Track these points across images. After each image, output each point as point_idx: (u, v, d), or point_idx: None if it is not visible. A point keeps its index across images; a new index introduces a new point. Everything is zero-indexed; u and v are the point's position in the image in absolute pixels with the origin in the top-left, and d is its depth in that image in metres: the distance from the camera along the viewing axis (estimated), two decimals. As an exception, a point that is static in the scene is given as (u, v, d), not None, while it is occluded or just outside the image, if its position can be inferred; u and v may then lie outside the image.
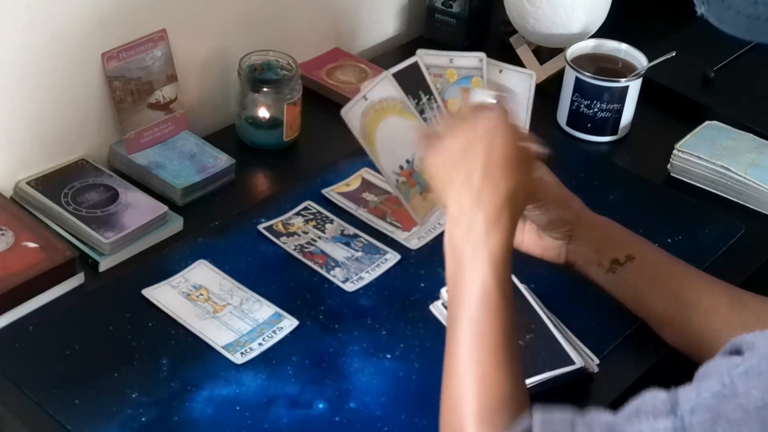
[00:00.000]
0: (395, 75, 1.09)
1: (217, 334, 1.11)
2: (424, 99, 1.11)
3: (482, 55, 1.13)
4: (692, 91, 1.58)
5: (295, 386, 1.07)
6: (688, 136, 1.44)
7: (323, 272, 1.21)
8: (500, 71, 1.13)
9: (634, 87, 1.48)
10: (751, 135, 1.45)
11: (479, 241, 0.90)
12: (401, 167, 1.10)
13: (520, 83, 1.14)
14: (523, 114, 1.15)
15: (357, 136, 1.09)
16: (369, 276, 1.20)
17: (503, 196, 0.92)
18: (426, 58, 1.12)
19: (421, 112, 1.11)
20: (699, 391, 0.73)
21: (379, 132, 1.08)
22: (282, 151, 1.42)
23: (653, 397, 0.77)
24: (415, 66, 1.11)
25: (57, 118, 1.28)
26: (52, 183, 1.26)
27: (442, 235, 1.19)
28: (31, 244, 1.16)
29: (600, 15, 1.58)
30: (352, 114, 1.08)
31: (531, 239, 1.15)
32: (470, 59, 1.12)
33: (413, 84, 1.11)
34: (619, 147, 1.51)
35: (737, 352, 0.75)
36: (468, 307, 0.90)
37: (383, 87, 1.08)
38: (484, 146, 0.93)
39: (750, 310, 1.07)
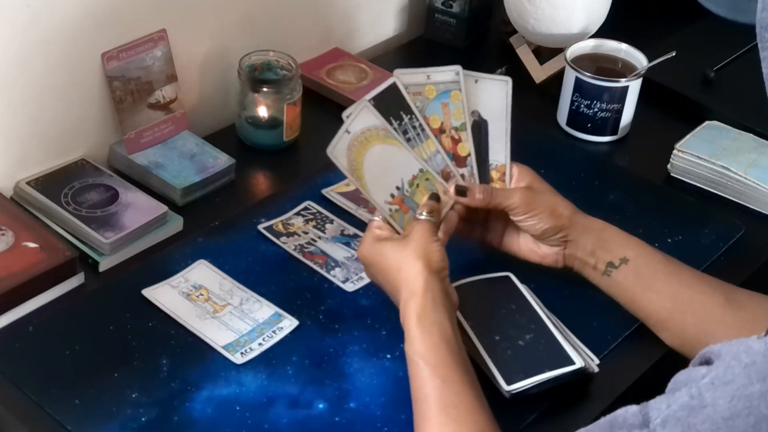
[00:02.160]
0: (373, 100, 1.09)
1: (217, 334, 1.11)
2: (406, 119, 1.11)
3: (458, 68, 1.13)
4: (692, 91, 1.58)
5: (295, 386, 1.07)
6: (688, 136, 1.44)
7: (323, 272, 1.21)
8: (476, 81, 1.14)
9: (634, 87, 1.47)
10: (751, 135, 1.45)
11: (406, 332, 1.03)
12: (392, 195, 1.10)
13: (497, 91, 1.14)
14: (502, 122, 1.15)
15: (345, 173, 1.08)
16: (369, 276, 1.20)
17: (393, 297, 1.07)
18: (403, 77, 1.11)
19: (404, 133, 1.11)
20: (669, 403, 0.73)
21: (366, 163, 1.08)
22: (282, 151, 1.42)
23: (625, 411, 0.77)
24: (394, 87, 1.10)
25: (57, 118, 1.28)
26: (52, 183, 1.26)
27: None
28: (31, 244, 1.16)
29: (600, 15, 1.58)
30: (338, 151, 1.07)
31: (527, 247, 1.16)
32: (447, 73, 1.12)
33: (393, 105, 1.10)
34: (619, 147, 1.51)
35: (706, 362, 0.74)
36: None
37: (363, 117, 1.08)
38: (369, 274, 1.11)
39: (746, 309, 1.08)
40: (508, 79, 1.15)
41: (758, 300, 1.10)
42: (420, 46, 1.71)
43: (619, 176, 1.43)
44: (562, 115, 1.52)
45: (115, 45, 1.28)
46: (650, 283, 1.12)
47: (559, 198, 1.14)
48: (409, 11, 1.74)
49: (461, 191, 1.12)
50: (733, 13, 0.82)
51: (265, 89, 1.38)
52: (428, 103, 1.12)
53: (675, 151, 1.43)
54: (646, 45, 1.52)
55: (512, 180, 1.15)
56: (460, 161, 1.14)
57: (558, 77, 1.54)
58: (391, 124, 1.10)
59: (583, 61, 1.51)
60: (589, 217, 1.15)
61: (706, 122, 1.48)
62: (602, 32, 1.58)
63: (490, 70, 1.58)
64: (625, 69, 1.51)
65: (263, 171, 1.40)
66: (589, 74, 1.46)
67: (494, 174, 1.15)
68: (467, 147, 1.14)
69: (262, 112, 1.39)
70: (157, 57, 1.33)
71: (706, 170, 1.41)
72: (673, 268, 1.12)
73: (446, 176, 1.13)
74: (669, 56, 1.49)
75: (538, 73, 1.62)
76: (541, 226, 1.12)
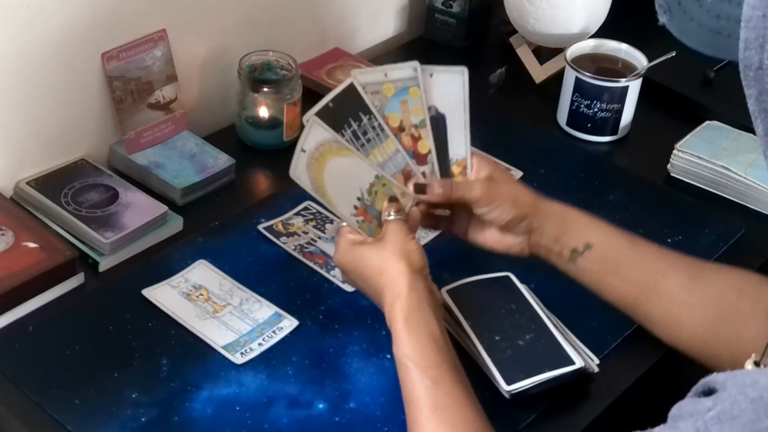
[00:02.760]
0: (322, 112, 1.07)
1: (217, 334, 1.11)
2: (365, 119, 1.09)
3: (416, 63, 1.10)
4: (692, 91, 1.58)
5: (295, 386, 1.07)
6: (688, 136, 1.44)
7: (323, 272, 1.21)
8: (431, 75, 1.11)
9: (634, 87, 1.48)
10: (751, 135, 1.45)
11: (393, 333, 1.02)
12: (356, 207, 1.09)
13: (452, 82, 1.11)
14: (461, 114, 1.11)
15: (311, 192, 1.08)
16: (369, 276, 1.20)
17: (376, 301, 1.06)
18: (361, 77, 1.09)
19: (364, 134, 1.10)
20: None
21: (326, 179, 1.08)
22: (282, 151, 1.41)
23: None
24: (351, 88, 1.09)
25: (57, 118, 1.28)
26: (52, 183, 1.26)
27: (441, 235, 1.20)
28: (31, 244, 1.16)
29: (600, 15, 1.58)
30: (299, 172, 1.07)
31: (493, 238, 1.14)
32: (405, 70, 1.10)
33: (352, 106, 1.09)
34: (619, 147, 1.51)
35: (709, 392, 0.74)
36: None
37: (314, 133, 1.07)
38: (348, 280, 1.12)
39: (711, 287, 1.07)
40: (464, 69, 1.11)
41: (726, 274, 1.09)
42: (420, 46, 1.71)
43: (619, 176, 1.43)
44: (562, 115, 1.52)
45: (115, 45, 1.28)
46: (614, 268, 1.11)
47: (519, 187, 1.13)
48: (409, 11, 1.74)
49: (420, 189, 1.10)
50: (713, 50, 0.81)
51: (265, 89, 1.38)
52: (387, 101, 1.10)
53: (675, 151, 1.43)
54: (646, 45, 1.52)
55: (472, 171, 1.13)
56: (420, 159, 1.12)
57: (558, 77, 1.54)
58: (350, 126, 1.09)
59: (583, 61, 1.51)
60: (550, 202, 1.14)
61: (706, 122, 1.48)
62: (602, 32, 1.58)
63: (490, 70, 1.60)
64: (625, 69, 1.51)
65: (263, 171, 1.40)
66: (589, 74, 1.46)
67: (455, 168, 1.12)
68: (427, 144, 1.12)
69: (262, 112, 1.39)
70: (157, 57, 1.33)
71: (706, 170, 1.41)
72: (637, 251, 1.12)
73: (407, 175, 1.11)
74: (669, 56, 1.49)
75: (538, 73, 1.62)
76: (504, 217, 1.11)
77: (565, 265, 1.13)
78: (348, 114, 1.08)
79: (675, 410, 0.75)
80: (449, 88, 1.11)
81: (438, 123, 1.11)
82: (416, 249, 1.04)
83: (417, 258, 1.03)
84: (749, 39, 0.70)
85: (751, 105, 0.72)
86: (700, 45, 0.82)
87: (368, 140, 1.09)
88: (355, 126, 1.09)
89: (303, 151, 1.07)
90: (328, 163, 1.08)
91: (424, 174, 1.12)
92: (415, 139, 1.11)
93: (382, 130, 1.10)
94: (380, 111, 1.09)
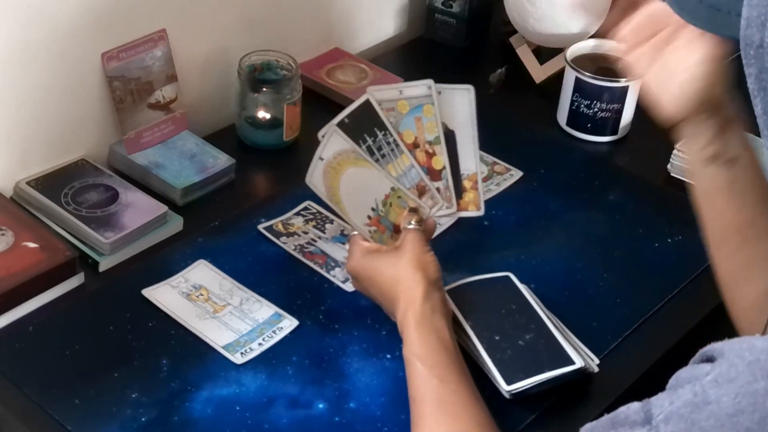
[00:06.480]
0: (343, 122, 1.10)
1: (217, 334, 1.11)
2: (380, 135, 1.12)
3: (430, 81, 1.13)
4: (692, 91, 1.58)
5: (295, 386, 1.07)
6: (688, 136, 1.44)
7: (323, 272, 1.21)
8: (439, 93, 1.14)
9: (634, 87, 1.47)
10: (752, 135, 1.45)
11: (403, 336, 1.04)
12: (369, 217, 1.11)
13: (461, 100, 1.15)
14: (469, 130, 1.15)
15: (325, 200, 1.10)
16: (369, 276, 1.20)
17: (387, 309, 1.08)
18: (376, 94, 1.12)
19: (379, 149, 1.11)
20: (672, 400, 0.73)
21: (342, 188, 1.10)
22: (282, 151, 1.42)
23: (627, 408, 0.77)
24: (367, 104, 1.11)
25: (57, 118, 1.28)
26: (52, 183, 1.26)
27: (441, 235, 1.20)
28: (31, 244, 1.16)
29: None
30: (315, 179, 1.09)
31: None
32: (419, 88, 1.13)
33: (367, 122, 1.11)
34: (619, 147, 1.51)
35: (708, 360, 0.74)
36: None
37: (333, 142, 1.09)
38: (360, 287, 1.13)
39: None
40: (470, 87, 1.15)
41: None
42: (420, 46, 1.71)
43: (619, 176, 1.43)
44: (562, 115, 1.52)
45: (115, 45, 1.28)
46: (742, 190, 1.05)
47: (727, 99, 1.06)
48: (409, 11, 1.74)
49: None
50: (713, 27, 0.81)
51: (265, 89, 1.38)
52: (401, 118, 1.13)
53: (675, 151, 1.43)
54: (646, 45, 1.52)
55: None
56: (434, 175, 1.15)
57: (558, 77, 1.54)
58: (365, 141, 1.11)
59: (583, 61, 1.51)
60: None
61: (706, 122, 1.48)
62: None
63: (491, 70, 1.60)
64: (625, 69, 1.50)
65: (263, 171, 1.40)
66: (589, 74, 1.46)
67: (467, 183, 1.16)
68: (442, 160, 1.14)
69: (262, 112, 1.39)
70: (157, 57, 1.33)
71: (706, 170, 1.41)
72: None
73: (421, 190, 1.14)
74: (669, 56, 1.48)
75: (538, 73, 1.62)
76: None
77: (722, 166, 1.06)
78: (363, 130, 1.11)
79: (673, 380, 0.76)
80: (457, 105, 1.14)
81: (449, 139, 1.14)
82: (432, 261, 1.06)
83: (433, 269, 1.05)
84: (751, 17, 0.70)
85: (751, 84, 0.72)
86: (699, 21, 0.81)
87: (383, 155, 1.12)
88: (370, 141, 1.11)
89: (321, 159, 1.09)
90: (344, 172, 1.10)
91: (438, 189, 1.15)
92: (430, 155, 1.14)
93: (397, 145, 1.12)
94: (395, 127, 1.12)
